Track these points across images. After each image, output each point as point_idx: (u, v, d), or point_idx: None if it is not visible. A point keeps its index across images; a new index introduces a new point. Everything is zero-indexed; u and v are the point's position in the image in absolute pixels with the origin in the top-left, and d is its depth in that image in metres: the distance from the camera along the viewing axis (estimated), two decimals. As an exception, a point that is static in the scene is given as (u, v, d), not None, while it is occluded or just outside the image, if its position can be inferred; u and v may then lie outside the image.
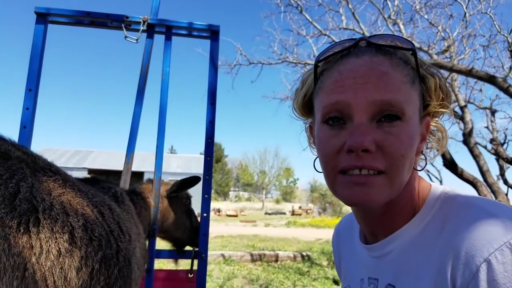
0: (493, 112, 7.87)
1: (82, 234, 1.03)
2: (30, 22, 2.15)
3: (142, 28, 2.20)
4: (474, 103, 7.76)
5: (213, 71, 2.31)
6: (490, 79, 4.78)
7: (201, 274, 2.12)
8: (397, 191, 0.62)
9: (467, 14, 5.60)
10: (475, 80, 6.90)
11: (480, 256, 0.52)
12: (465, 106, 6.64)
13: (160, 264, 6.41)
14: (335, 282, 6.62)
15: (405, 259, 0.64)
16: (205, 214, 2.15)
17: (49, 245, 0.92)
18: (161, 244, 2.36)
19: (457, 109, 6.63)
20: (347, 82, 0.61)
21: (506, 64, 6.15)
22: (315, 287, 6.25)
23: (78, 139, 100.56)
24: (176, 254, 2.30)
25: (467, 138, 6.25)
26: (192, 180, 2.28)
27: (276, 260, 8.61)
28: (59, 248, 0.94)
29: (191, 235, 2.35)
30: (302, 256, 8.90)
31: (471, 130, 6.27)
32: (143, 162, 23.78)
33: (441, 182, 9.41)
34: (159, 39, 2.32)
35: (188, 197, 2.43)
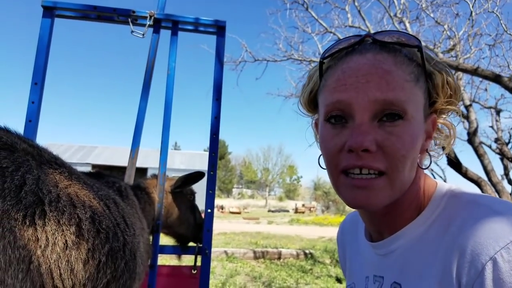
0: (498, 112, 7.81)
1: (90, 226, 1.03)
2: (37, 16, 2.14)
3: (148, 23, 2.20)
4: (479, 102, 7.71)
5: (218, 67, 2.30)
6: (496, 78, 4.74)
7: (204, 270, 2.12)
8: (399, 191, 0.62)
9: (473, 13, 5.55)
10: (481, 79, 6.84)
11: (486, 254, 0.52)
12: (470, 105, 6.60)
13: (164, 260, 6.43)
14: (338, 280, 6.61)
15: (411, 257, 0.64)
16: (209, 210, 2.15)
17: (55, 237, 0.91)
18: (165, 239, 2.36)
19: (462, 108, 6.59)
20: (349, 81, 0.61)
21: (512, 64, 6.10)
22: (318, 285, 6.24)
23: (82, 135, 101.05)
24: (180, 249, 2.30)
25: (471, 137, 6.22)
26: (196, 176, 2.28)
27: (279, 258, 8.62)
28: (66, 241, 0.94)
29: (195, 231, 2.35)
30: (305, 254, 8.90)
31: (475, 129, 6.24)
32: (147, 158, 23.85)
33: (445, 181, 9.37)
34: (165, 34, 2.31)
35: (192, 193, 2.43)
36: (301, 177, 68.06)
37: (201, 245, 2.19)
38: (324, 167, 0.68)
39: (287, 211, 33.51)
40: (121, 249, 1.15)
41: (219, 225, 15.96)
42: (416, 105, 0.61)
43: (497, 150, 7.26)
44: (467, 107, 6.54)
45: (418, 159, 0.63)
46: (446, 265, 0.56)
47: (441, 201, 0.64)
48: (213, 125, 2.22)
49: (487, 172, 6.10)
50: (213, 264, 7.32)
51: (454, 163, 5.91)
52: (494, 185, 5.90)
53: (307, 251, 9.09)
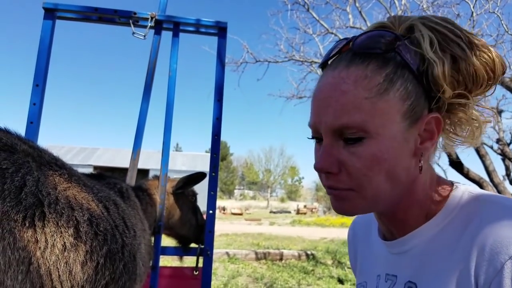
0: (500, 112, 7.80)
1: (87, 228, 1.03)
2: (38, 18, 2.15)
3: (149, 24, 2.20)
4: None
5: (220, 68, 2.30)
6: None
7: (206, 271, 2.12)
8: (376, 201, 0.62)
9: (474, 14, 5.54)
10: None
11: (505, 253, 0.52)
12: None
13: (166, 261, 6.43)
14: (340, 281, 6.60)
15: (427, 256, 0.63)
16: (211, 211, 2.15)
17: (54, 239, 0.91)
18: (167, 241, 2.35)
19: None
20: (315, 105, 0.63)
21: (515, 64, 6.09)
22: (320, 286, 6.23)
23: (84, 136, 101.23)
24: (181, 251, 2.30)
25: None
26: (198, 176, 2.28)
27: (281, 259, 8.60)
28: (64, 243, 0.94)
29: (197, 232, 2.34)
30: (307, 255, 8.89)
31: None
32: (149, 160, 23.87)
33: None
34: (166, 35, 2.32)
35: (194, 194, 2.43)
36: (303, 178, 68.09)
37: (203, 246, 2.19)
38: None
39: (289, 212, 33.49)
40: (119, 251, 1.15)
41: (221, 226, 15.95)
42: (383, 119, 0.58)
43: (499, 151, 7.24)
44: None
45: (402, 167, 0.61)
46: (464, 264, 0.56)
47: (458, 201, 0.64)
48: (215, 126, 2.22)
49: (488, 173, 6.09)
50: (215, 265, 7.32)
51: (456, 163, 5.90)
52: (495, 185, 5.89)
53: (309, 252, 9.08)
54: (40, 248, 0.87)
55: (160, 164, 2.14)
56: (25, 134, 1.97)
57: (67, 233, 0.95)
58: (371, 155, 0.59)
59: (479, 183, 5.78)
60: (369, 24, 6.72)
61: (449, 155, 5.75)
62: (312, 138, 0.67)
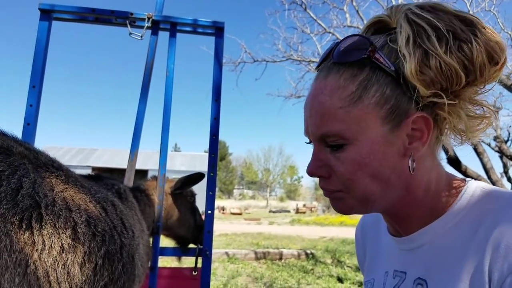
0: (497, 110, 7.81)
1: (85, 229, 1.03)
2: (34, 19, 2.14)
3: (146, 24, 2.19)
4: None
5: (217, 68, 2.30)
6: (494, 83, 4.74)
7: (205, 272, 2.12)
8: (369, 201, 0.63)
9: (470, 12, 5.55)
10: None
11: None
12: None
13: (164, 262, 6.43)
14: (340, 280, 6.61)
15: (439, 253, 0.63)
16: (209, 212, 2.15)
17: (52, 241, 0.91)
18: (165, 241, 2.35)
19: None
20: (304, 114, 0.67)
21: (510, 62, 6.09)
22: (320, 285, 6.24)
23: (82, 137, 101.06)
24: (180, 251, 2.29)
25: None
26: (196, 177, 2.27)
27: (280, 258, 8.60)
28: (62, 244, 0.93)
29: (195, 232, 2.34)
30: (307, 254, 8.89)
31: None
32: (147, 160, 23.84)
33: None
34: (163, 36, 2.31)
35: (193, 195, 2.42)
36: (302, 177, 68.08)
37: (201, 246, 2.19)
38: None
39: (288, 211, 33.49)
40: (118, 251, 1.15)
41: (220, 226, 15.95)
42: (360, 126, 0.59)
43: (496, 148, 7.26)
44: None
45: (390, 169, 0.61)
46: (477, 260, 0.55)
47: (471, 197, 0.63)
48: (213, 126, 2.22)
49: (486, 170, 6.11)
50: (214, 265, 7.32)
51: (454, 161, 5.91)
52: (493, 183, 5.90)
53: (308, 251, 9.08)
54: (37, 250, 0.87)
55: (158, 164, 2.14)
56: (22, 136, 1.97)
57: (65, 235, 0.95)
58: (352, 160, 0.61)
59: (476, 180, 5.79)
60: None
61: (446, 153, 5.76)
62: (309, 142, 0.69)
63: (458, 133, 0.65)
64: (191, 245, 2.37)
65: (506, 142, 7.48)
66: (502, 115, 8.46)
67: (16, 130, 1.13)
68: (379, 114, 0.60)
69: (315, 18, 7.41)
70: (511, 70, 5.20)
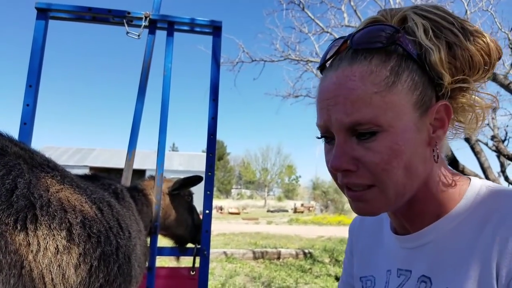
0: (494, 109, 7.83)
1: (80, 230, 1.02)
2: (31, 18, 2.13)
3: (144, 24, 2.19)
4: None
5: (215, 67, 2.29)
6: (491, 76, 4.75)
7: (203, 272, 2.11)
8: (397, 196, 0.61)
9: (468, 12, 5.56)
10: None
11: None
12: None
13: (162, 261, 6.42)
14: (337, 279, 6.61)
15: (444, 251, 0.63)
16: (207, 211, 2.14)
17: (47, 242, 0.90)
18: (163, 241, 2.34)
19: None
20: (323, 104, 0.62)
21: (507, 61, 6.10)
22: (318, 284, 6.24)
23: (79, 137, 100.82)
24: (178, 251, 2.29)
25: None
26: (194, 179, 2.28)
27: (279, 258, 8.61)
28: (57, 245, 0.93)
29: (193, 232, 2.34)
30: (304, 254, 8.90)
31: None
32: (145, 160, 23.81)
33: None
34: (161, 35, 2.30)
35: (190, 194, 2.42)
36: (300, 176, 68.24)
37: (199, 246, 2.19)
38: None
39: (286, 211, 33.50)
40: (114, 253, 1.14)
41: (218, 226, 15.94)
42: (395, 112, 0.58)
43: (494, 148, 7.28)
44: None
45: (419, 158, 0.60)
46: (485, 257, 0.55)
47: (476, 195, 0.63)
48: (211, 126, 2.22)
49: (484, 170, 6.12)
50: (212, 265, 7.31)
51: (452, 160, 5.92)
52: (491, 182, 5.92)
53: (306, 251, 9.09)
54: (32, 251, 0.86)
55: (156, 164, 2.13)
56: (18, 136, 1.96)
57: (59, 236, 0.94)
58: (388, 148, 0.58)
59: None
60: (364, 23, 6.76)
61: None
62: (321, 137, 0.66)
63: (458, 125, 0.68)
64: (189, 245, 2.36)
65: (503, 141, 7.50)
66: (500, 115, 8.48)
67: (12, 129, 1.13)
68: (411, 100, 0.59)
69: (313, 17, 7.42)
70: (508, 70, 5.21)
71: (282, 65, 8.63)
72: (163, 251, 2.23)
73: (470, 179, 0.67)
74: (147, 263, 1.94)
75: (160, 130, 2.15)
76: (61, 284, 0.92)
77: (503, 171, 8.06)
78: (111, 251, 1.13)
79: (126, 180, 2.13)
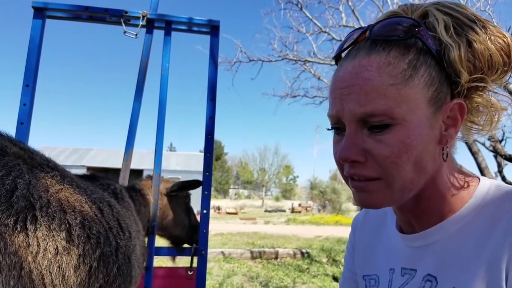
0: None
1: (80, 231, 1.01)
2: (28, 17, 2.12)
3: (141, 23, 2.18)
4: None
5: (213, 67, 2.29)
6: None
7: (201, 271, 2.11)
8: (403, 192, 0.61)
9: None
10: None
11: None
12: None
13: (160, 261, 6.41)
14: (335, 278, 6.62)
15: (451, 250, 0.62)
16: (205, 211, 2.14)
17: (46, 243, 0.90)
18: (161, 241, 2.34)
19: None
20: (337, 94, 0.61)
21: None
22: (315, 284, 6.25)
23: (76, 137, 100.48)
24: (175, 251, 2.29)
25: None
26: (193, 184, 2.27)
27: (276, 258, 8.62)
28: (57, 246, 0.92)
29: (190, 233, 2.34)
30: (302, 253, 8.91)
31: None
32: (142, 160, 23.76)
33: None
34: (158, 34, 2.30)
35: (188, 195, 2.42)
36: (297, 176, 68.12)
37: (197, 246, 2.18)
38: None
39: (284, 211, 33.50)
40: (113, 253, 1.14)
41: (216, 226, 15.92)
42: (409, 105, 0.58)
43: (491, 148, 7.29)
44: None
45: (429, 155, 0.60)
46: (494, 258, 0.55)
47: (486, 194, 0.63)
48: (208, 126, 2.21)
49: (481, 170, 6.14)
50: (210, 265, 7.31)
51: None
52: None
53: (304, 251, 9.10)
54: (32, 252, 0.86)
55: (153, 164, 2.13)
56: (15, 135, 1.95)
57: (59, 237, 0.94)
58: (399, 142, 0.57)
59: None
60: (362, 23, 6.75)
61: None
62: (332, 128, 0.65)
63: (470, 125, 0.67)
64: (186, 245, 2.36)
65: (500, 141, 7.52)
66: (510, 113, 8.50)
67: (9, 129, 1.12)
68: (426, 95, 0.59)
69: (310, 17, 7.42)
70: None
71: (279, 65, 8.65)
72: (160, 251, 2.23)
73: (479, 178, 0.67)
74: (145, 263, 1.94)
75: (158, 129, 2.15)
76: (61, 285, 0.91)
77: (500, 171, 8.09)
78: (110, 252, 1.12)
79: (124, 180, 2.12)
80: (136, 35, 2.18)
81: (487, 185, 0.64)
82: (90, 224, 1.07)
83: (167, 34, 2.26)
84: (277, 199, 55.61)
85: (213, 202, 33.30)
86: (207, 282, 2.12)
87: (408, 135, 0.58)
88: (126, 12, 2.17)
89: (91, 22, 2.25)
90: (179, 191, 2.29)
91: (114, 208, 1.31)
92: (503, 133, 8.11)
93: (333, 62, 0.68)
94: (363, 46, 0.61)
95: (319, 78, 8.16)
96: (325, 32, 7.49)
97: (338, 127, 0.64)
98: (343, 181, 0.68)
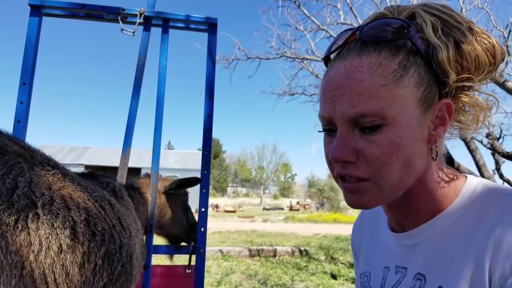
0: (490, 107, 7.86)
1: (85, 228, 1.01)
2: (24, 15, 2.11)
3: (138, 20, 2.17)
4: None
5: (210, 64, 2.28)
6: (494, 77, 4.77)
7: (199, 270, 2.11)
8: (392, 191, 0.61)
9: (463, 9, 5.57)
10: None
11: None
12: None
13: (158, 260, 6.41)
14: (333, 276, 6.64)
15: (438, 249, 0.62)
16: (203, 209, 2.14)
17: (49, 241, 0.89)
18: (159, 239, 2.34)
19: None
20: (328, 95, 0.62)
21: (503, 60, 6.14)
22: (313, 282, 6.26)
23: (74, 135, 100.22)
24: (174, 249, 2.28)
25: (464, 132, 6.26)
26: (192, 181, 2.27)
27: (274, 255, 8.63)
28: (60, 244, 0.92)
29: (187, 231, 2.34)
30: (300, 251, 8.93)
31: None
32: (140, 158, 23.75)
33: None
34: (156, 32, 2.29)
35: (186, 193, 2.42)
36: (296, 174, 68.20)
37: (195, 244, 2.18)
38: None
39: (282, 209, 33.55)
40: (117, 251, 1.13)
41: (214, 224, 15.93)
42: (400, 106, 0.58)
43: (489, 145, 7.32)
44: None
45: (418, 154, 0.61)
46: (478, 258, 0.55)
47: (472, 193, 0.63)
48: (206, 123, 2.21)
49: (479, 167, 6.16)
50: (208, 263, 7.31)
51: (447, 158, 5.96)
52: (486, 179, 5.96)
53: (302, 248, 9.12)
54: (33, 251, 0.85)
55: (151, 162, 2.12)
56: (12, 133, 1.94)
57: (63, 234, 0.93)
58: (390, 142, 0.58)
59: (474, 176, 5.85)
60: (360, 21, 6.74)
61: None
62: (323, 130, 0.66)
63: (457, 125, 0.68)
64: (184, 243, 2.36)
65: (498, 139, 7.53)
66: (494, 113, 8.53)
67: (6, 127, 1.11)
68: (416, 95, 0.60)
69: (308, 15, 7.42)
70: (503, 68, 5.24)
71: (277, 63, 8.70)
72: (158, 249, 2.23)
73: (466, 177, 0.67)
74: (143, 262, 1.94)
75: (156, 128, 2.14)
76: (65, 284, 0.91)
77: (497, 168, 8.11)
78: (115, 250, 1.12)
79: (121, 178, 2.11)
80: (133, 32, 2.17)
81: (474, 183, 0.65)
82: (95, 221, 1.07)
83: (165, 31, 2.25)
84: (275, 197, 55.67)
85: (211, 200, 33.29)
86: (205, 280, 2.12)
87: (399, 135, 0.58)
88: (123, 10, 2.16)
89: (88, 20, 2.24)
90: (177, 189, 2.28)
91: (115, 206, 1.31)
92: (501, 131, 8.13)
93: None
94: (353, 47, 0.62)
95: (317, 76, 8.15)
96: (323, 29, 7.48)
97: (329, 128, 0.64)
98: None
